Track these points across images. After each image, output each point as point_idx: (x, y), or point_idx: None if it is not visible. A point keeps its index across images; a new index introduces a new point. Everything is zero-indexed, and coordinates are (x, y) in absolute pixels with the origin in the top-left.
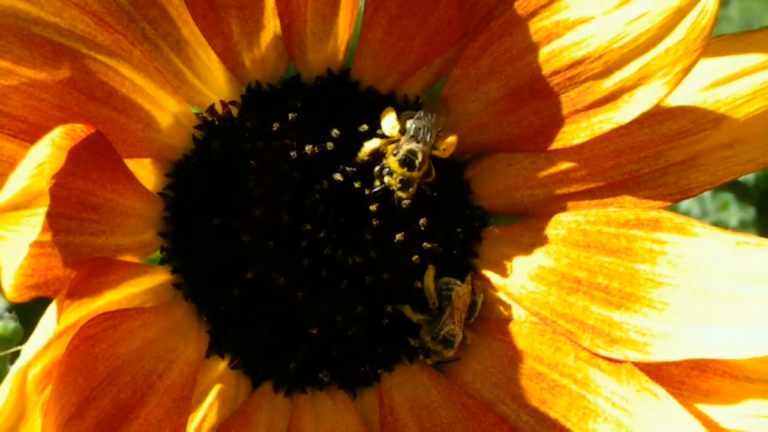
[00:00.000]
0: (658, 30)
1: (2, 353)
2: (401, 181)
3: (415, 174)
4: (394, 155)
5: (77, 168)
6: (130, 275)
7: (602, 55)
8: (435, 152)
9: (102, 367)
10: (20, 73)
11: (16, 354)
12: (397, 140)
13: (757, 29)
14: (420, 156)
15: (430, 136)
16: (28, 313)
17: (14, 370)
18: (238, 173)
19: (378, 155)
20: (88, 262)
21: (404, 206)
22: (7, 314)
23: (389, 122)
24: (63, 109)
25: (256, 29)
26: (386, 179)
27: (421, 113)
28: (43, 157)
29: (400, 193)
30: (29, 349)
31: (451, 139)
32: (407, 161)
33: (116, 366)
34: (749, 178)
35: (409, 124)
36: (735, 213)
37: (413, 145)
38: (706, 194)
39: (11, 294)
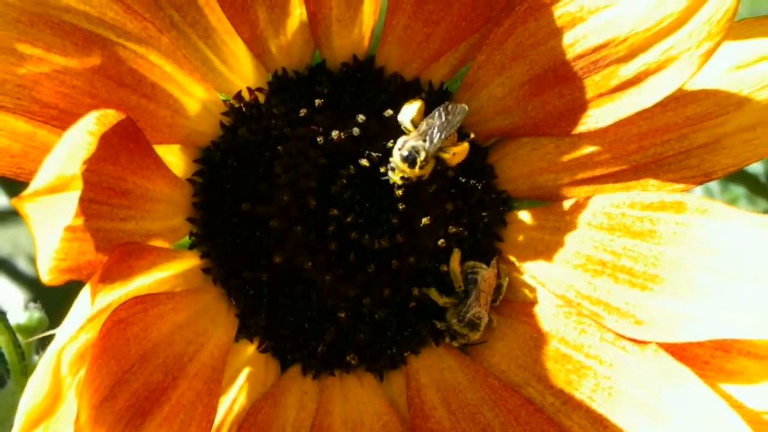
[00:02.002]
0: (682, 12)
1: (28, 339)
2: (402, 178)
3: (416, 171)
4: (399, 149)
5: (108, 153)
6: (160, 260)
7: (626, 38)
8: (442, 155)
9: (134, 350)
10: (52, 61)
11: (41, 343)
12: (406, 134)
13: None
14: (423, 155)
15: (439, 137)
16: (52, 304)
17: (50, 352)
18: (265, 159)
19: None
20: (119, 246)
21: (399, 194)
22: (32, 304)
23: (406, 114)
24: (93, 95)
25: (283, 16)
26: (390, 174)
27: (437, 112)
28: (77, 142)
29: (398, 192)
30: (64, 332)
31: (463, 146)
32: (409, 158)
33: (148, 349)
34: (759, 170)
35: (423, 121)
36: (744, 208)
37: (419, 143)
38: (716, 189)
39: (47, 277)
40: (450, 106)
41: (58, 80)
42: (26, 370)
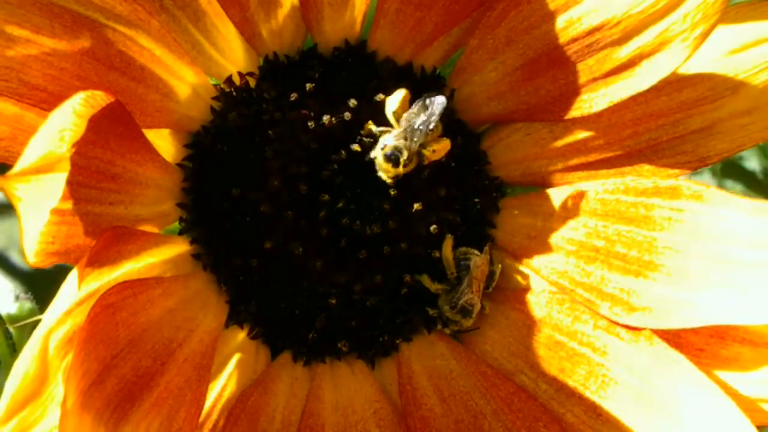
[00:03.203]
0: None
1: (17, 325)
2: (389, 177)
3: (400, 170)
4: (382, 149)
5: (97, 136)
6: (149, 245)
7: (620, 21)
8: (423, 151)
9: (122, 335)
10: (40, 43)
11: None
12: (389, 131)
13: None
14: (405, 154)
15: (420, 134)
16: (45, 296)
17: (36, 336)
18: (256, 144)
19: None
20: (108, 231)
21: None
22: (22, 295)
23: (390, 106)
24: (82, 78)
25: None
26: (378, 172)
27: (416, 107)
28: (64, 123)
29: (389, 182)
30: (51, 315)
31: (444, 143)
32: (392, 158)
33: (136, 334)
34: (756, 167)
35: (403, 117)
36: None
37: (401, 142)
38: (712, 185)
39: (33, 259)
40: (428, 100)
41: (47, 62)
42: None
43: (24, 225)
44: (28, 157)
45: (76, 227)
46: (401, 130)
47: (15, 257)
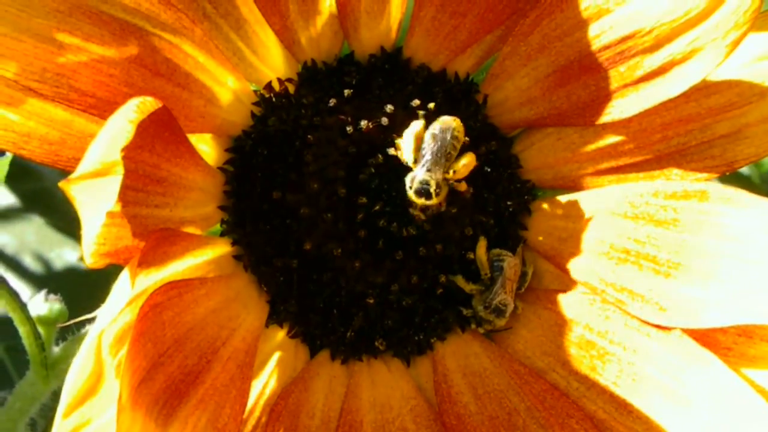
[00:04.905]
0: (708, 3)
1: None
2: (423, 211)
3: (435, 201)
4: (410, 188)
5: (144, 141)
6: (192, 246)
7: (653, 29)
8: (447, 176)
9: (169, 333)
10: (90, 50)
11: (61, 334)
12: (412, 167)
13: None
14: (433, 185)
15: (442, 162)
16: (73, 296)
17: (92, 334)
18: (295, 148)
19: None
20: (155, 232)
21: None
22: (51, 296)
23: (407, 141)
24: (130, 84)
25: (313, 8)
26: (411, 211)
27: (429, 135)
28: (118, 128)
29: (421, 214)
30: (105, 315)
31: (467, 159)
32: (422, 192)
33: (182, 333)
34: (752, 172)
35: (422, 150)
36: None
37: (426, 176)
38: None
39: (90, 260)
40: (438, 126)
41: (96, 69)
42: (46, 361)
43: (84, 226)
44: (88, 161)
45: (125, 229)
46: (421, 164)
47: (27, 261)
